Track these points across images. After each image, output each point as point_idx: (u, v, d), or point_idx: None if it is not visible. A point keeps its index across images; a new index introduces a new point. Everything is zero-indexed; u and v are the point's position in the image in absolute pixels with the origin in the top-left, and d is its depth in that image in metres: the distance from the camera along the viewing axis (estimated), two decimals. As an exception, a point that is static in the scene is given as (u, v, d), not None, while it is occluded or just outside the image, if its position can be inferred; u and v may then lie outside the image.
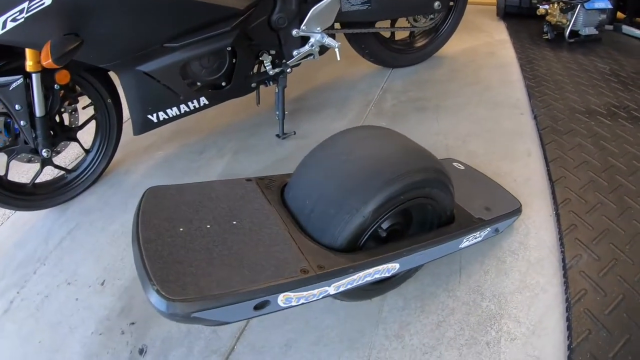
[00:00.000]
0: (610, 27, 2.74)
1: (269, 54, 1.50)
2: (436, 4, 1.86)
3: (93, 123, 1.45)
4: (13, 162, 1.31)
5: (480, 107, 1.74)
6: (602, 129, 1.55)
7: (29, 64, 1.14)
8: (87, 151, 1.50)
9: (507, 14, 2.98)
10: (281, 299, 0.69)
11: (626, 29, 2.72)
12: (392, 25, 1.95)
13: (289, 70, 1.55)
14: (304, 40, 1.53)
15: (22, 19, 1.02)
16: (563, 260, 1.03)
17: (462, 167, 1.24)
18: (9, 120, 1.26)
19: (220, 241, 0.75)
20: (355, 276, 0.76)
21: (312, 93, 1.99)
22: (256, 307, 0.67)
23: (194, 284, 0.65)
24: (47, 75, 1.19)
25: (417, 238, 0.88)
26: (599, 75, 2.01)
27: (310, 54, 1.55)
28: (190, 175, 1.52)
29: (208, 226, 0.78)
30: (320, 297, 0.74)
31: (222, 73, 1.41)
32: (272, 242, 0.76)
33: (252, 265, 0.70)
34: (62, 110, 1.35)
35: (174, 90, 1.35)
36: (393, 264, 0.82)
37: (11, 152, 1.29)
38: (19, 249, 1.33)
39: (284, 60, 1.55)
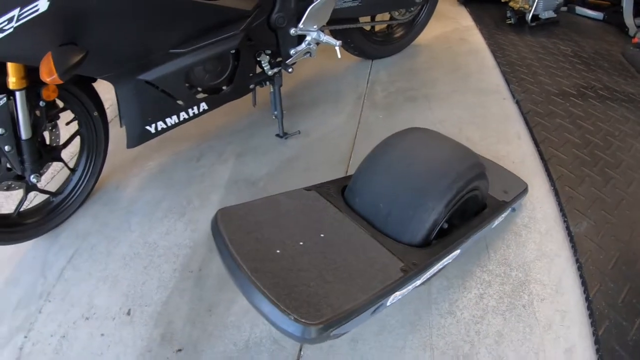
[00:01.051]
0: (565, 8, 3.09)
1: (266, 54, 1.57)
2: (418, -5, 2.04)
3: (77, 139, 1.38)
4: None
5: (466, 94, 1.94)
6: (576, 109, 1.81)
7: (12, 81, 1.05)
8: (72, 170, 1.42)
9: (467, 0, 3.25)
10: (391, 298, 0.81)
11: (579, 9, 3.07)
12: (372, 19, 2.11)
13: (290, 70, 1.63)
14: (301, 38, 1.61)
15: (11, 29, 0.92)
16: (567, 228, 1.25)
17: None
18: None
19: (320, 257, 0.83)
20: (436, 266, 0.91)
21: (301, 89, 2.09)
22: (374, 312, 0.78)
23: (324, 304, 0.71)
24: (31, 92, 1.11)
25: (468, 226, 1.04)
26: (564, 58, 2.30)
27: (307, 52, 1.63)
28: (196, 183, 1.53)
29: (301, 243, 0.86)
30: (412, 289, 0.88)
31: (224, 77, 1.44)
32: (365, 249, 0.87)
33: (360, 274, 0.80)
34: (43, 128, 1.25)
35: (176, 97, 1.35)
36: (457, 251, 0.99)
37: None
38: (12, 287, 1.23)
39: (279, 59, 1.61)
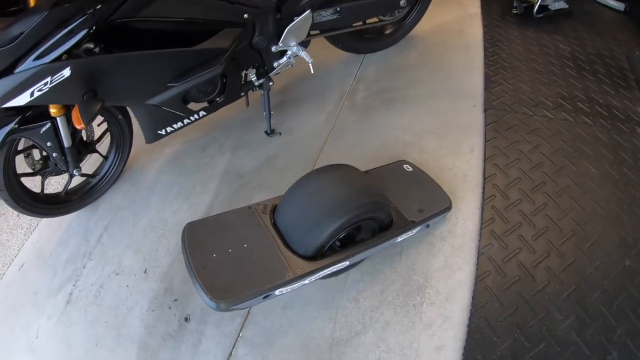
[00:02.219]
0: (586, -6, 3.08)
1: (254, 68, 1.87)
2: (402, 2, 2.18)
3: (107, 135, 1.86)
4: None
5: (440, 99, 2.12)
6: (544, 123, 1.96)
7: (53, 111, 1.50)
8: (105, 157, 1.92)
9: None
10: (277, 292, 1.24)
11: (601, -4, 3.07)
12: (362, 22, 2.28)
13: (271, 83, 1.91)
14: (283, 52, 1.88)
15: (47, 89, 1.35)
16: (478, 247, 1.49)
17: (411, 169, 1.66)
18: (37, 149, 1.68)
19: (238, 261, 1.26)
20: (320, 273, 1.28)
21: (294, 82, 2.34)
22: (264, 297, 1.22)
23: (230, 290, 1.19)
24: (68, 114, 1.56)
25: (363, 243, 1.36)
26: (557, 60, 2.39)
27: (288, 64, 1.91)
28: (200, 172, 1.97)
29: (230, 250, 1.29)
30: (300, 286, 1.28)
31: (216, 92, 1.81)
32: (270, 257, 1.28)
33: (260, 273, 1.25)
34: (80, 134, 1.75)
35: (178, 113, 1.76)
36: (343, 262, 1.32)
37: (44, 174, 1.72)
38: (62, 247, 1.79)
39: (265, 69, 1.90)
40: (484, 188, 1.67)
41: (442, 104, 2.10)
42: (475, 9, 2.90)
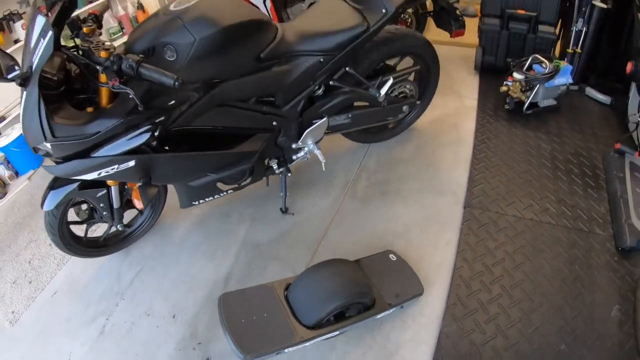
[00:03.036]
0: (576, 87, 3.60)
1: (276, 159, 2.41)
2: (404, 107, 2.77)
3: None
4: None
5: (427, 194, 2.65)
6: (512, 222, 2.47)
7: (110, 182, 2.03)
8: (140, 212, 2.43)
9: (483, 69, 3.87)
10: (286, 350, 1.75)
11: (589, 91, 3.58)
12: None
13: (289, 174, 2.48)
14: (301, 148, 2.43)
15: (113, 172, 1.81)
16: (441, 326, 2.00)
17: (395, 259, 2.19)
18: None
19: (260, 326, 1.79)
20: (318, 339, 1.81)
21: (306, 166, 2.89)
22: (277, 354, 1.73)
23: (253, 347, 1.70)
24: (122, 185, 2.13)
25: (350, 319, 1.88)
26: (537, 159, 2.90)
27: (305, 157, 2.46)
28: (223, 237, 2.51)
29: (254, 317, 1.81)
30: (303, 347, 1.80)
31: (243, 179, 2.36)
32: (283, 325, 1.81)
33: (274, 337, 1.76)
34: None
35: (211, 191, 2.31)
36: (335, 332, 1.86)
37: (90, 223, 2.27)
38: (96, 284, 2.31)
39: (285, 160, 2.44)
40: (452, 277, 2.19)
41: (427, 200, 2.63)
42: (472, 100, 3.47)
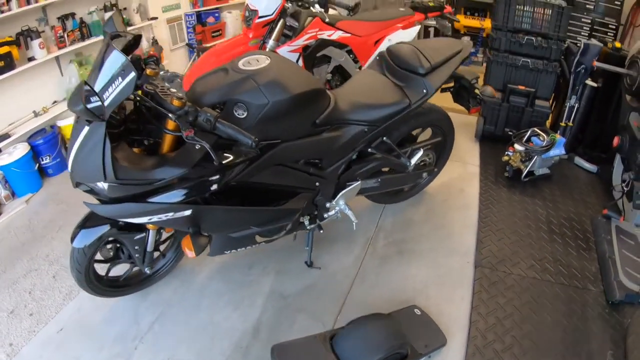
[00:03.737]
0: (566, 156, 4.15)
1: (308, 215, 2.70)
2: (424, 174, 3.23)
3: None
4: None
5: (440, 253, 3.07)
6: (517, 281, 2.90)
7: (150, 226, 2.16)
8: (163, 255, 2.58)
9: (483, 137, 4.43)
10: None
11: (577, 160, 4.14)
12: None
13: (321, 230, 2.84)
14: (334, 207, 2.76)
15: (165, 219, 1.90)
16: (462, 375, 2.38)
17: (419, 313, 2.58)
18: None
19: None
20: None
21: (329, 223, 3.20)
22: None
23: None
24: (160, 229, 2.28)
25: None
26: (535, 224, 3.38)
27: (336, 216, 2.82)
28: (246, 287, 2.71)
29: None
30: None
31: (280, 233, 2.59)
32: None
33: None
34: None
35: (247, 242, 2.46)
36: None
37: (115, 263, 2.37)
38: (110, 324, 2.37)
39: (317, 218, 2.74)
40: (469, 330, 2.58)
41: (441, 259, 3.04)
42: (474, 167, 3.98)
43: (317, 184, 2.49)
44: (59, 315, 2.41)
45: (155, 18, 5.45)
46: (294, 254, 3.01)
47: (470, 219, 3.41)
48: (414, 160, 2.92)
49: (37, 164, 3.77)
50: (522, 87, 4.10)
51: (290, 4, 3.73)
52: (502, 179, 3.86)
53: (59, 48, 4.10)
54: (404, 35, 4.04)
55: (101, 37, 4.06)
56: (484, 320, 2.63)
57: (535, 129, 3.79)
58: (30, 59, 3.87)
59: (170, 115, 1.68)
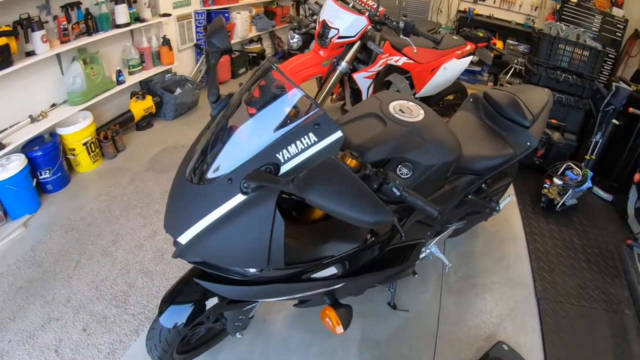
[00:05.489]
0: (592, 187, 4.98)
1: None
2: (493, 213, 3.88)
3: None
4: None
5: (506, 287, 3.74)
6: (574, 310, 3.69)
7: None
8: None
9: (514, 165, 5.15)
10: None
11: (595, 189, 5.00)
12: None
13: (416, 275, 3.39)
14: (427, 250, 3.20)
15: (315, 292, 1.83)
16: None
17: (507, 348, 3.26)
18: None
19: None
20: None
21: None
22: None
23: None
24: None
25: None
26: (574, 253, 4.17)
27: (425, 258, 3.28)
28: (332, 334, 2.76)
29: None
30: None
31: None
32: None
33: None
34: None
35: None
36: None
37: (195, 329, 2.25)
38: None
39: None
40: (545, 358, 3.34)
41: (507, 292, 3.70)
42: (512, 197, 4.69)
43: (428, 233, 2.58)
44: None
45: (169, 15, 5.53)
46: (372, 294, 3.18)
47: (521, 249, 4.12)
48: (502, 205, 3.45)
49: (35, 180, 3.38)
50: (554, 121, 4.82)
51: (370, 26, 3.84)
52: (537, 209, 4.61)
53: (62, 42, 3.70)
54: (458, 65, 4.52)
55: (109, 32, 3.93)
56: (556, 349, 3.39)
57: (570, 163, 4.54)
58: (29, 54, 3.43)
59: None
